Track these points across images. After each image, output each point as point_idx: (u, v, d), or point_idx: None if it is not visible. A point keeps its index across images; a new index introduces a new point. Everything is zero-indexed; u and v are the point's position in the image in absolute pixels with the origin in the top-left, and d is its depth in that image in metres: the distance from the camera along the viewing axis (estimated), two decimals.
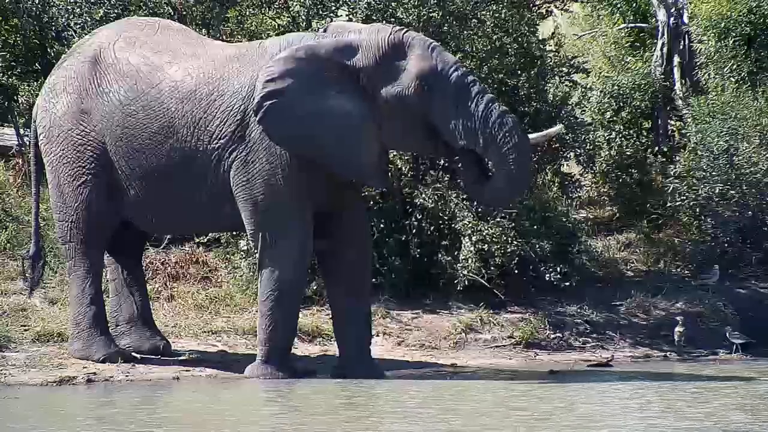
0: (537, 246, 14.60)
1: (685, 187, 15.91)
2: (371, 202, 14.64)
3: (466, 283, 14.45)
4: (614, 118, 17.36)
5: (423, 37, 12.07)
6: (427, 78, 11.65)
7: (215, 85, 11.90)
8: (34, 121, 12.55)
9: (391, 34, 11.80)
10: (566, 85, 16.53)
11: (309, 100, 11.72)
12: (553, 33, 16.27)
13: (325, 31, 12.26)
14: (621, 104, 17.34)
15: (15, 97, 16.24)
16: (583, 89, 17.25)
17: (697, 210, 15.97)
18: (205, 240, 15.13)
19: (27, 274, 13.03)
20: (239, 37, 15.04)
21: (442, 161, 15.05)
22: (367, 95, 11.76)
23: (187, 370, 12.38)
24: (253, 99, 11.66)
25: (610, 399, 11.09)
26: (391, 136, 11.85)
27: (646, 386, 11.87)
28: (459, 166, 12.02)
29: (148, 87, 12.03)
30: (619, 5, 18.40)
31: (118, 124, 12.07)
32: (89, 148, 12.20)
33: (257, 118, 11.64)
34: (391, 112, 11.75)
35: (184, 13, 15.61)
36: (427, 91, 11.65)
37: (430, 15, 14.77)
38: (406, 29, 12.07)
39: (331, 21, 14.60)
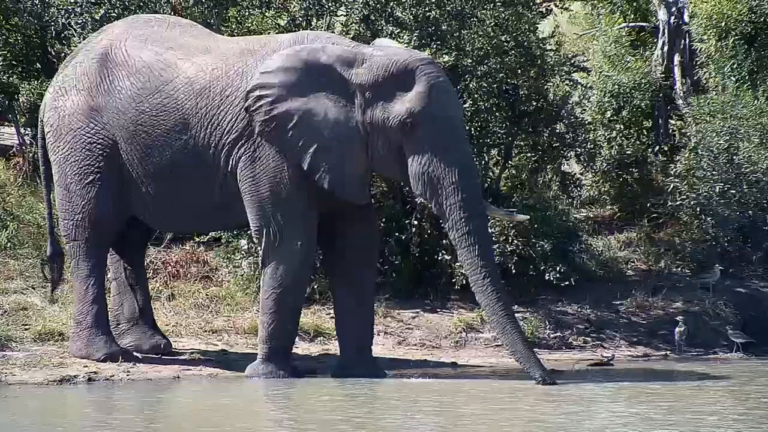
0: (537, 245, 14.60)
1: (685, 187, 15.91)
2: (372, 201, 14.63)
3: (465, 282, 14.44)
4: (614, 118, 17.35)
5: (435, 72, 11.66)
6: (415, 118, 11.51)
7: (229, 80, 11.85)
8: (41, 120, 12.50)
9: (405, 59, 11.59)
10: (566, 84, 16.52)
11: (297, 101, 11.67)
12: (553, 32, 16.26)
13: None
14: (621, 103, 17.31)
15: (15, 96, 16.24)
16: (583, 88, 17.24)
17: (698, 209, 15.96)
18: (206, 239, 15.13)
19: (46, 274, 13.05)
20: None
21: None
22: (356, 110, 11.66)
23: (188, 369, 12.38)
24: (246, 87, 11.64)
25: (610, 398, 11.09)
26: (372, 156, 11.73)
27: (646, 386, 11.86)
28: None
29: (162, 84, 11.98)
30: (619, 4, 18.39)
31: (131, 121, 12.03)
32: (98, 146, 12.16)
33: (245, 105, 11.61)
34: (373, 134, 11.65)
35: (184, 14, 15.59)
36: (410, 131, 11.53)
37: (428, 14, 14.74)
38: (427, 59, 11.81)
39: (330, 20, 14.61)
